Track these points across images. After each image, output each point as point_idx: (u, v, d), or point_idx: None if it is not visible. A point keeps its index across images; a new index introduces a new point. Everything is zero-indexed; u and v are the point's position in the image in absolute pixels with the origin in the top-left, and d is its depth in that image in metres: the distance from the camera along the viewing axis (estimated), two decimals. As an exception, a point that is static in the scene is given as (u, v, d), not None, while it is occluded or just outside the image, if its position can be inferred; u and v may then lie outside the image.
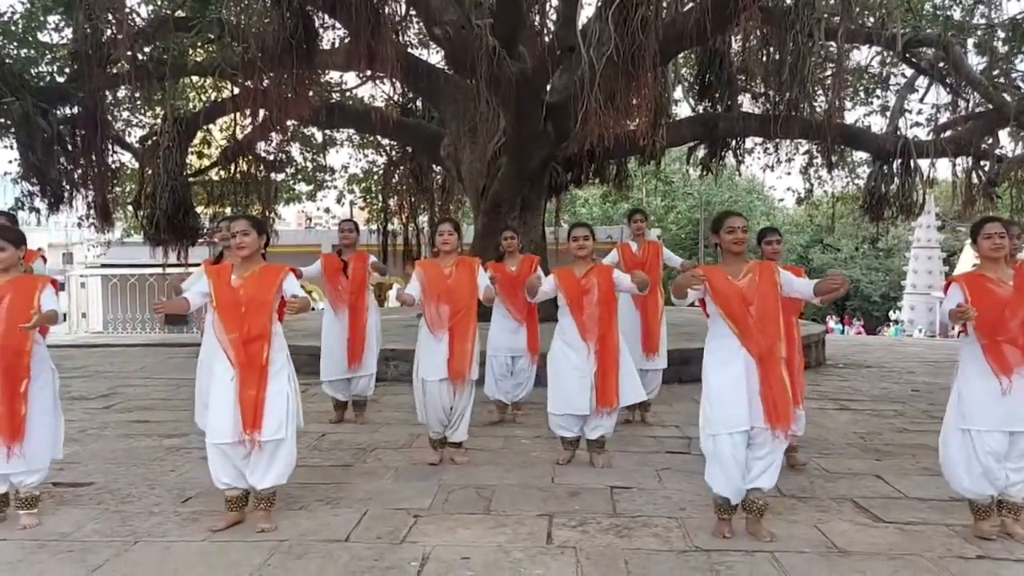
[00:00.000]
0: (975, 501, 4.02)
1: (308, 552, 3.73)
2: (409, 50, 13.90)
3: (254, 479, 4.06)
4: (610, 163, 14.07)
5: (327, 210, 21.78)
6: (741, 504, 4.00)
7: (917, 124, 14.55)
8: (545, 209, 13.41)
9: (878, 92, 15.31)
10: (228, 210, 15.81)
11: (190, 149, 14.53)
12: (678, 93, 15.13)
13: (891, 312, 37.25)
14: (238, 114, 13.57)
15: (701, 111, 13.83)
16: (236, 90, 11.67)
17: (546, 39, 11.31)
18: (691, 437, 6.10)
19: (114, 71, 12.17)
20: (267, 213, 15.69)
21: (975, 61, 12.34)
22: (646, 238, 6.98)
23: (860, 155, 15.60)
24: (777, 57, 10.33)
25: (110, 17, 10.69)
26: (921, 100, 14.31)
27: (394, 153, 16.77)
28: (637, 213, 6.96)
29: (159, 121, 13.79)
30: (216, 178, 15.42)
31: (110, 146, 13.34)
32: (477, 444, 5.61)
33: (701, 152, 14.75)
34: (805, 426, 5.28)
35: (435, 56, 15.31)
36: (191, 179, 14.47)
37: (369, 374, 6.70)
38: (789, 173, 57.48)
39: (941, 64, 12.00)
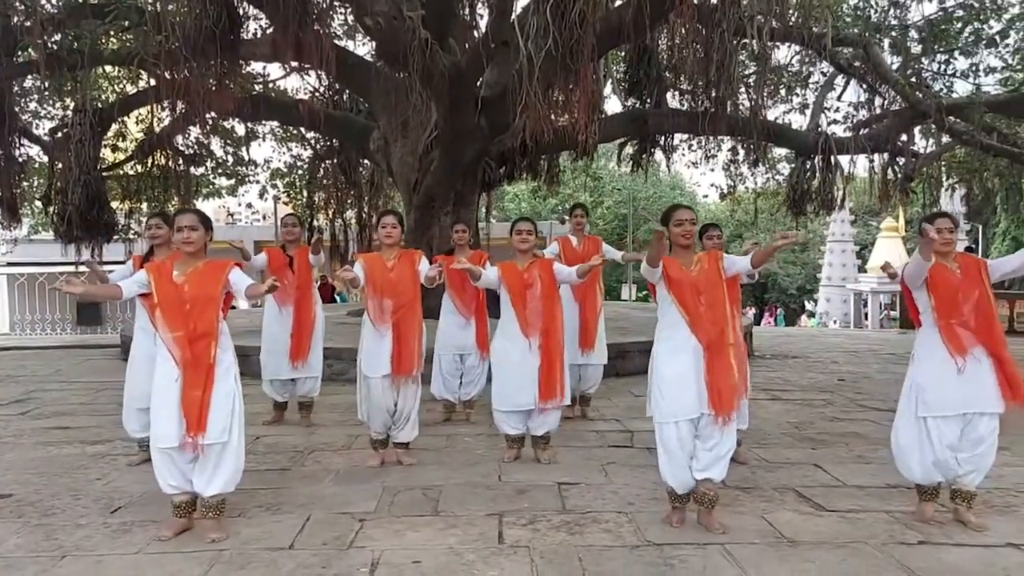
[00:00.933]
0: (922, 486, 4.15)
1: (251, 561, 3.56)
2: (336, 41, 13.61)
3: (200, 486, 3.85)
4: (542, 158, 14.08)
5: (249, 205, 21.23)
6: (692, 496, 4.02)
7: (835, 121, 15.03)
8: (478, 204, 13.32)
9: (798, 90, 15.75)
10: (145, 206, 15.25)
11: (104, 142, 13.89)
12: (607, 89, 15.25)
13: (807, 303, 38.53)
14: (156, 106, 13.05)
15: (630, 107, 13.95)
16: (153, 81, 11.21)
17: (477, 33, 11.24)
18: (633, 431, 6.13)
19: (22, 59, 11.54)
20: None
21: (890, 60, 12.79)
22: (585, 233, 6.97)
23: (780, 152, 16.03)
24: (704, 55, 10.47)
25: (18, 3, 10.13)
26: (839, 98, 14.78)
27: (320, 147, 16.42)
28: (578, 208, 6.93)
29: (71, 112, 13.17)
30: (132, 172, 14.80)
31: (17, 138, 12.67)
32: (420, 443, 5.48)
33: (631, 148, 14.89)
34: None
35: (363, 48, 15.09)
36: (105, 173, 13.84)
37: (315, 375, 6.49)
38: (712, 170, 58.72)
39: (859, 63, 12.41)
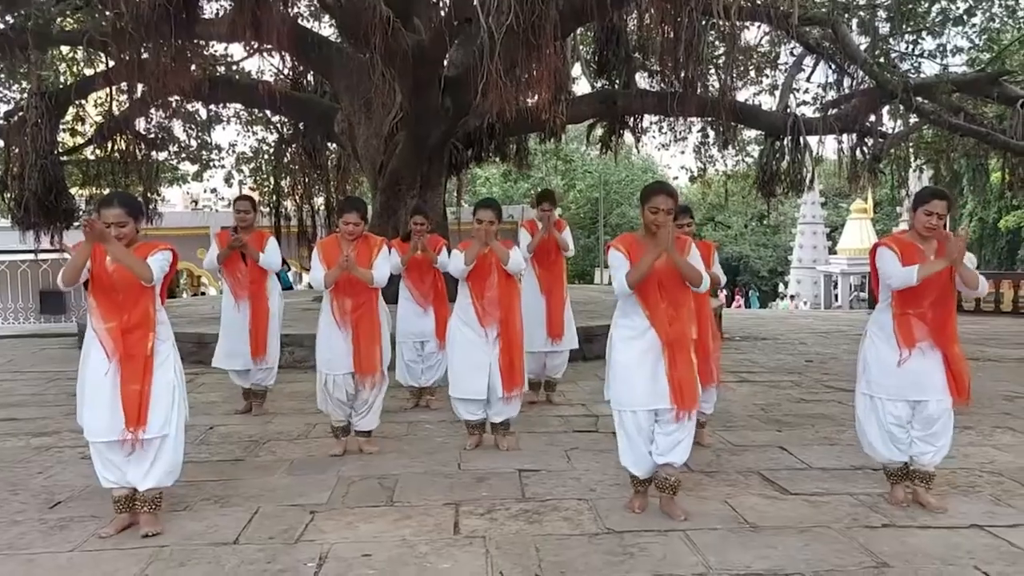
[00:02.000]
0: (888, 467, 4.08)
1: (191, 558, 3.39)
2: (301, 22, 13.32)
3: (135, 479, 3.67)
4: (510, 140, 13.90)
5: (214, 191, 20.83)
6: (654, 483, 3.91)
7: (805, 103, 15.00)
8: (446, 187, 13.12)
9: (767, 72, 15.69)
10: (106, 191, 14.87)
11: (61, 125, 13.52)
12: (576, 70, 15.09)
13: (779, 286, 38.78)
14: (114, 88, 12.70)
15: (599, 88, 13.81)
16: (111, 62, 10.88)
17: (442, 12, 11.01)
18: (598, 415, 6.02)
19: (-30, 40, 11.16)
20: (148, 194, 14.81)
21: (859, 41, 12.74)
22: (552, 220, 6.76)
23: (750, 134, 15.99)
24: (672, 35, 10.34)
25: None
26: (808, 79, 14.72)
27: (285, 130, 16.10)
28: (545, 202, 6.54)
29: (25, 95, 12.78)
30: (92, 157, 14.42)
31: (-31, 123, 12.32)
32: (379, 431, 5.32)
33: (600, 130, 14.75)
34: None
35: (328, 29, 14.76)
36: (63, 158, 13.49)
37: (269, 367, 6.27)
38: (683, 152, 58.87)
39: (827, 43, 12.35)
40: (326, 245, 5.12)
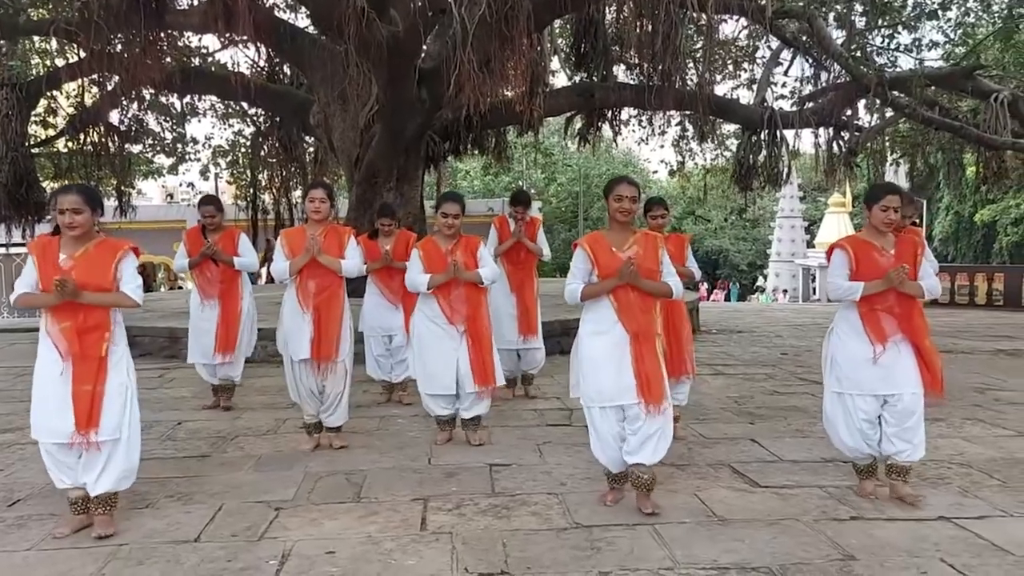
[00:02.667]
0: (858, 463, 4.07)
1: (150, 556, 3.32)
2: (277, 13, 13.17)
3: (87, 482, 3.59)
4: (488, 133, 13.83)
5: (191, 185, 20.59)
6: (629, 479, 3.88)
7: (782, 96, 15.05)
8: (423, 180, 13.03)
9: (745, 65, 15.71)
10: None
11: (33, 117, 13.29)
12: (555, 64, 15.04)
13: (758, 279, 39.00)
14: (85, 79, 12.50)
15: (578, 81, 13.76)
16: (82, 52, 10.70)
17: (417, 2, 10.93)
18: (572, 408, 5.99)
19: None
20: (123, 187, 14.63)
21: (835, 35, 12.77)
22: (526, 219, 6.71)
23: (728, 128, 16.01)
24: (650, 28, 10.31)
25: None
26: (786, 73, 14.78)
27: (262, 123, 15.92)
28: (519, 205, 6.44)
29: (-7, 86, 12.56)
30: (64, 149, 14.20)
31: (-65, 114, 12.05)
32: (349, 426, 5.26)
33: (578, 123, 14.72)
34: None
35: (303, 20, 14.61)
36: (35, 150, 13.27)
37: (233, 362, 6.18)
38: (663, 146, 59.00)
39: (804, 37, 12.37)
40: (291, 234, 5.05)
